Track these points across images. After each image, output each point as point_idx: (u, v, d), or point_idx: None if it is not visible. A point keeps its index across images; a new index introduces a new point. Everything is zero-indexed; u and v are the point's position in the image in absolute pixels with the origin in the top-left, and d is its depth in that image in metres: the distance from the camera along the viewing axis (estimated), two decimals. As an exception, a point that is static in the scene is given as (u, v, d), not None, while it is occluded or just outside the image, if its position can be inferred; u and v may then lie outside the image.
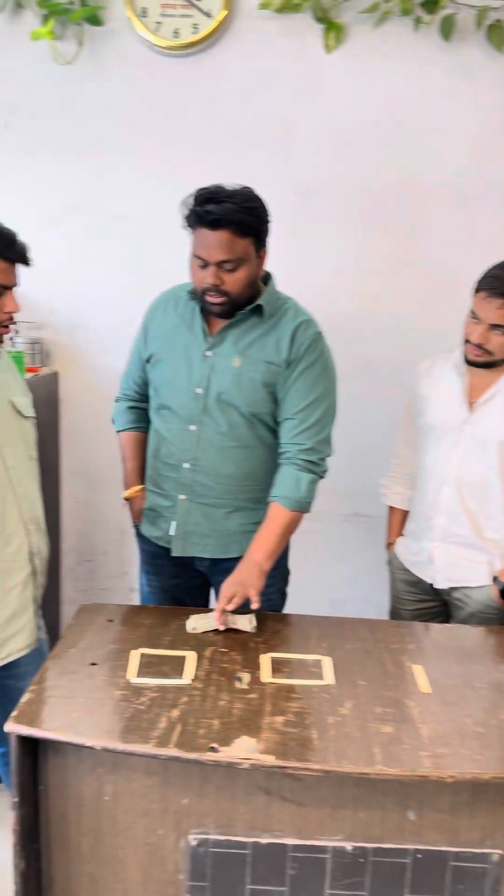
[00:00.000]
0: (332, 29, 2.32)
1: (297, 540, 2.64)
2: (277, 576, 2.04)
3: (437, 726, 1.36)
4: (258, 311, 1.82)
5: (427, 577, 2.01)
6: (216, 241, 1.68)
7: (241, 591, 1.72)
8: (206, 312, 1.83)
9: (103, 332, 2.59)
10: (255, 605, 1.72)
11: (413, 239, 2.46)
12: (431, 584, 2.00)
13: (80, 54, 2.35)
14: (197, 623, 1.70)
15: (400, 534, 2.16)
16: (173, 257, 2.47)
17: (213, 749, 1.25)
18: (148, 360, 1.93)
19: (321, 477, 1.87)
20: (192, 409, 1.83)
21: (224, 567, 1.94)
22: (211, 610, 1.77)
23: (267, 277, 1.90)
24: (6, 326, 1.57)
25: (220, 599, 1.72)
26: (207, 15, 2.33)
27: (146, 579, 2.08)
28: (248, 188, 1.73)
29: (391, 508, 2.20)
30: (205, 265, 1.71)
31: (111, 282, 2.55)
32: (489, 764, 1.29)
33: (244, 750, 1.25)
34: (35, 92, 2.42)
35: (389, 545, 2.18)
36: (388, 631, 1.75)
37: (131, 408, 2.05)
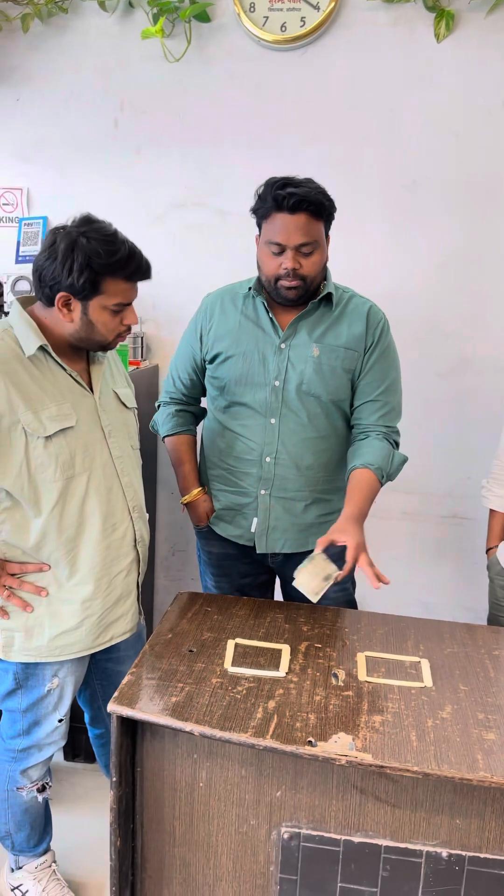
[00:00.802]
0: (443, 17, 2.27)
1: (390, 540, 2.62)
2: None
3: (543, 736, 1.31)
4: (327, 300, 1.83)
5: (530, 583, 1.94)
6: (295, 225, 1.69)
7: (364, 551, 1.68)
8: (273, 305, 1.84)
9: (203, 327, 2.62)
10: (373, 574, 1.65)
11: (523, 232, 2.38)
12: (534, 591, 1.93)
13: (188, 51, 2.39)
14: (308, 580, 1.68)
15: (502, 538, 2.08)
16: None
17: (310, 743, 1.24)
18: (211, 361, 1.92)
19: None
20: (270, 402, 1.83)
21: (297, 561, 1.94)
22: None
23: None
24: (123, 337, 1.60)
25: (357, 560, 1.67)
26: (315, 8, 2.31)
27: (213, 581, 2.07)
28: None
29: (492, 512, 2.13)
30: (281, 251, 1.72)
31: (212, 277, 2.56)
32: None
33: (341, 746, 1.24)
34: (144, 89, 2.47)
35: (490, 550, 2.11)
36: (489, 636, 1.69)
37: (179, 411, 2.03)
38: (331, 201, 1.74)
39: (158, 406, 2.09)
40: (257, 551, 1.92)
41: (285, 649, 1.55)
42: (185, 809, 1.43)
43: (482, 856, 1.35)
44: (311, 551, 1.91)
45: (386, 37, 2.33)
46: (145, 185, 2.56)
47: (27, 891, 1.80)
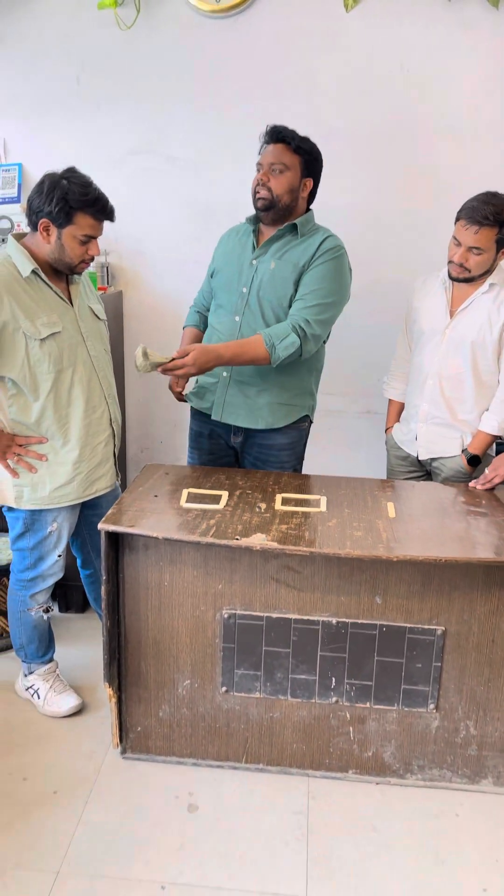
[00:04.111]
0: (352, -11, 2.72)
1: (320, 432, 3.20)
2: (293, 456, 2.55)
3: (395, 533, 1.92)
4: (294, 229, 2.34)
5: (413, 451, 2.53)
6: (272, 150, 2.26)
7: (197, 356, 2.15)
8: (259, 232, 2.38)
9: (159, 258, 3.11)
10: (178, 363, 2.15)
11: (417, 174, 2.88)
12: (417, 457, 2.53)
13: (137, 20, 2.81)
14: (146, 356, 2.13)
15: (396, 420, 2.67)
16: (218, 192, 2.99)
17: (237, 539, 1.83)
18: (212, 276, 2.50)
19: (301, 350, 2.26)
20: (237, 304, 2.37)
21: (253, 442, 2.49)
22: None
23: (308, 211, 2.40)
24: (87, 263, 2.10)
25: (179, 352, 2.17)
26: (245, -19, 2.74)
27: (189, 453, 2.65)
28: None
29: (390, 401, 2.71)
30: (261, 168, 2.28)
31: (165, 214, 3.05)
32: (429, 553, 1.82)
33: (258, 540, 1.83)
34: (101, 52, 2.89)
35: (388, 429, 2.70)
36: (374, 484, 2.30)
37: (197, 312, 2.63)
38: (310, 146, 2.28)
39: (191, 307, 2.66)
40: (212, 417, 2.45)
41: (224, 494, 2.13)
42: (155, 602, 2.02)
43: (359, 621, 1.97)
44: (263, 430, 2.43)
45: (303, 6, 2.77)
46: (105, 135, 2.99)
47: (38, 688, 2.39)
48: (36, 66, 2.94)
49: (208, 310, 2.57)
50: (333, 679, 2.03)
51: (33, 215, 2.00)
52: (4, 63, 2.96)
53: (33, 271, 2.02)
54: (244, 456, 2.55)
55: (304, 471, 2.72)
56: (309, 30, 2.79)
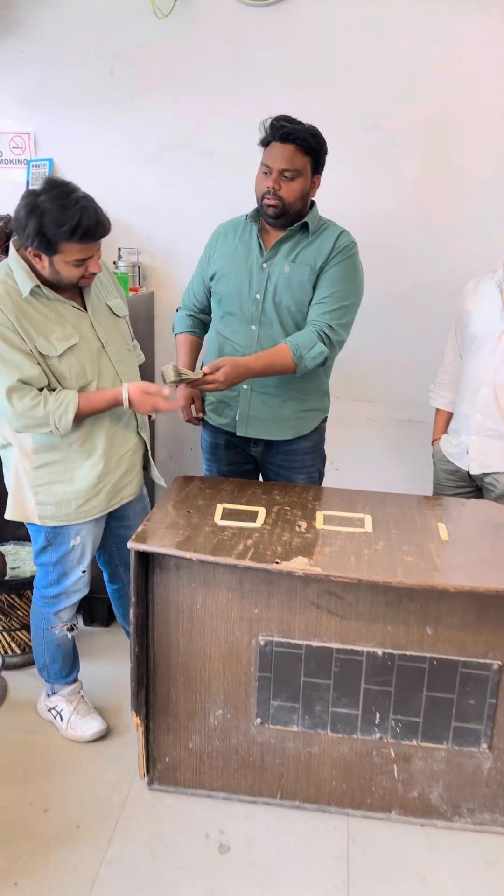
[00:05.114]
0: (401, -26, 2.56)
1: (358, 442, 3.05)
2: (317, 458, 2.44)
3: (449, 559, 1.76)
4: (304, 227, 2.19)
5: (464, 466, 2.36)
6: (282, 153, 2.08)
7: (228, 372, 2.02)
8: (263, 231, 2.22)
9: (193, 257, 2.96)
10: (208, 378, 2.02)
11: (470, 169, 2.71)
12: (468, 472, 2.36)
13: (175, 7, 2.67)
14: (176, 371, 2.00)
15: (444, 431, 2.51)
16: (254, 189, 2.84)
17: (276, 562, 1.69)
18: (212, 278, 2.33)
19: (328, 358, 2.17)
20: (252, 312, 2.22)
21: (276, 450, 2.35)
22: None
23: (312, 204, 2.24)
24: (89, 279, 1.92)
25: (210, 367, 2.03)
26: (287, -34, 2.60)
27: (206, 465, 2.53)
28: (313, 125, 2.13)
29: (438, 410, 2.55)
30: (269, 172, 2.12)
31: (200, 212, 2.92)
32: (488, 584, 1.66)
33: (299, 564, 1.68)
34: (136, 42, 2.76)
35: (434, 441, 2.54)
36: (423, 502, 2.14)
37: (189, 316, 2.45)
38: (319, 142, 2.11)
39: (178, 310, 2.49)
40: (237, 434, 2.33)
41: (261, 510, 1.99)
42: (186, 626, 1.88)
43: (408, 653, 1.82)
44: (288, 440, 2.32)
45: (348, -7, 2.62)
46: (139, 129, 2.87)
47: (61, 710, 2.27)
48: (68, 56, 2.82)
49: (201, 312, 2.44)
50: (378, 714, 1.87)
51: (22, 242, 1.83)
52: (35, 53, 2.84)
53: (33, 290, 1.86)
54: (267, 465, 2.42)
55: (340, 483, 2.58)
56: (354, 18, 2.63)
